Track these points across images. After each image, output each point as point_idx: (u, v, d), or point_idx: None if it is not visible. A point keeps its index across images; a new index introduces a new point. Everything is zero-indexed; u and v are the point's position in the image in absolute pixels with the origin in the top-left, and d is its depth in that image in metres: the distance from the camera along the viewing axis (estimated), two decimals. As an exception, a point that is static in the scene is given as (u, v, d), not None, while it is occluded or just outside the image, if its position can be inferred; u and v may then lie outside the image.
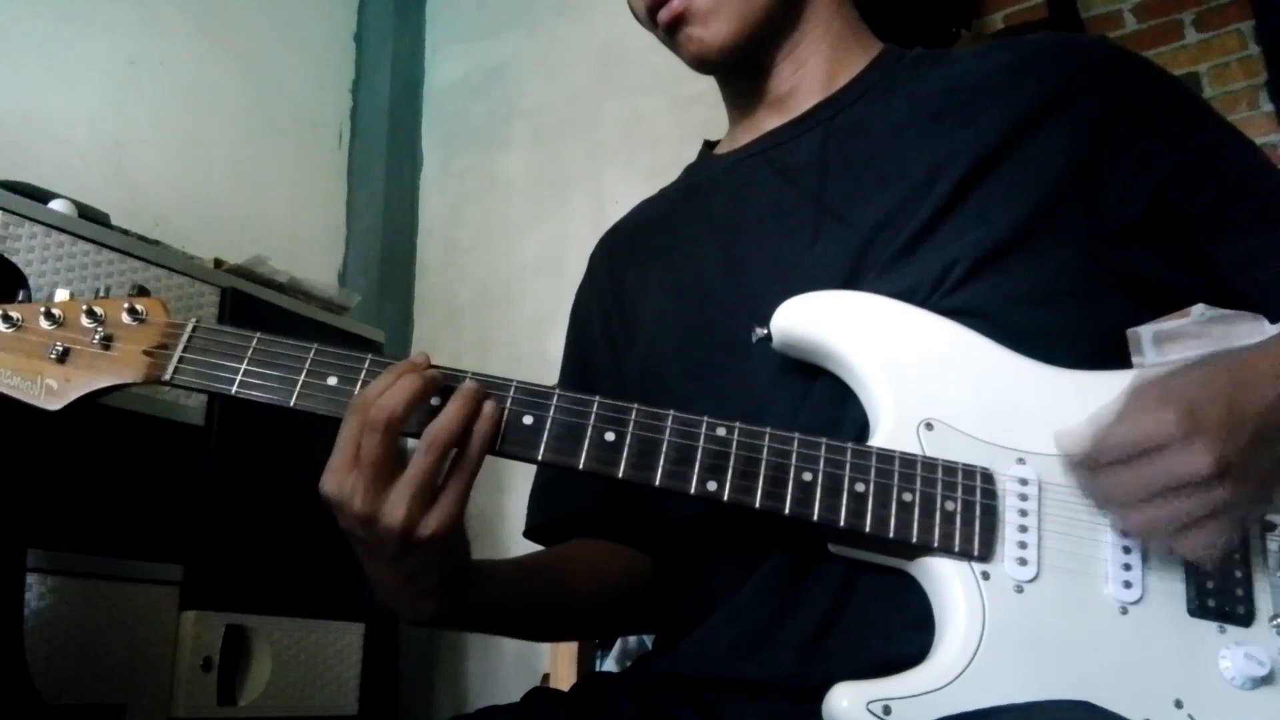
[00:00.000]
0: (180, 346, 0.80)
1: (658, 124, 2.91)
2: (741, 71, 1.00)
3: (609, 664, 2.19)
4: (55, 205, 2.00)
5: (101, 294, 0.82)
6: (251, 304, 2.26)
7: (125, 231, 2.14)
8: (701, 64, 0.98)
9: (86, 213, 2.06)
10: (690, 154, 1.12)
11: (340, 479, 0.73)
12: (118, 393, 0.81)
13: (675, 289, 0.97)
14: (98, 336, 0.80)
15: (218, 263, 2.35)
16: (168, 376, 0.79)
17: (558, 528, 1.02)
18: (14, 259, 1.78)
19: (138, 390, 1.97)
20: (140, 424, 1.99)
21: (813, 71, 0.99)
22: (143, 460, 2.00)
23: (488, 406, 0.75)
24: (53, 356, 0.78)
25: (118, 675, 1.89)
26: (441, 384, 0.76)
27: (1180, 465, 0.66)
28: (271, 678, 2.16)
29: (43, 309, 0.80)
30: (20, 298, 0.82)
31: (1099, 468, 0.70)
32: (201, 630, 2.04)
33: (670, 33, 0.97)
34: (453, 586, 0.80)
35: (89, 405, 0.80)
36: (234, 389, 0.78)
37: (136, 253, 2.08)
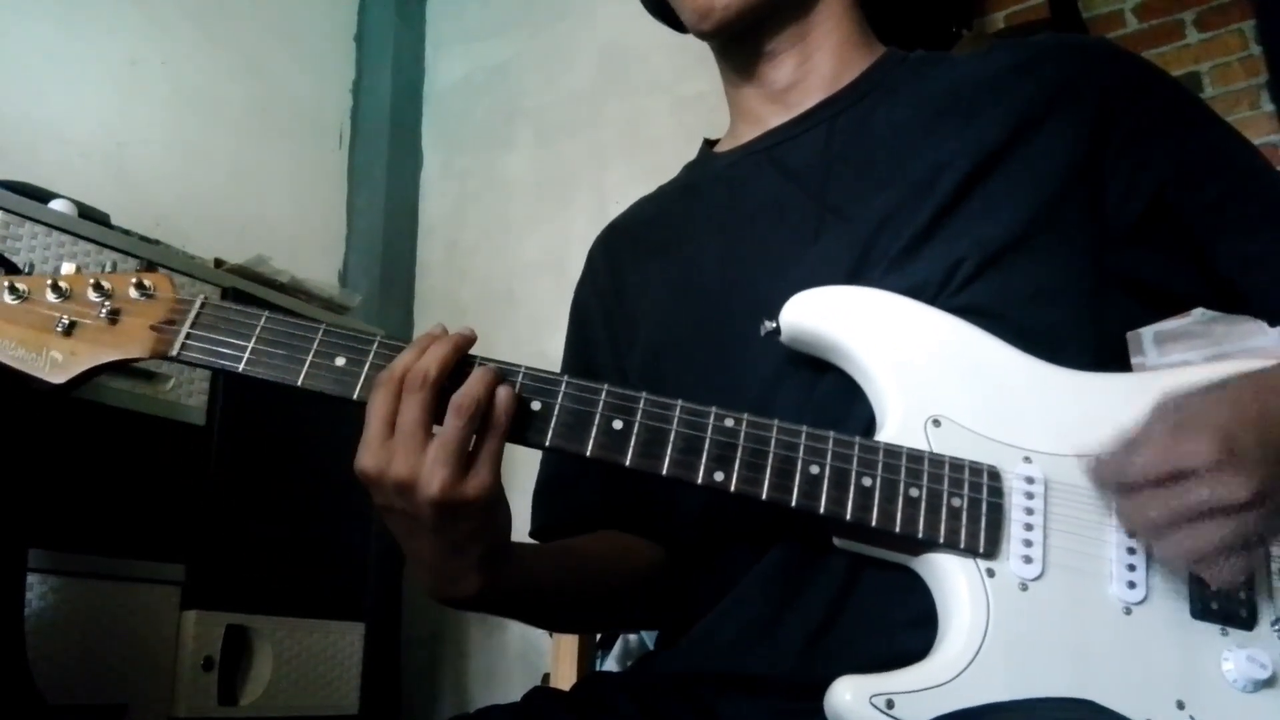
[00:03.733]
0: (188, 322, 0.79)
1: (659, 124, 2.91)
2: (743, 47, 0.99)
3: (610, 664, 2.19)
4: (55, 205, 2.00)
5: (109, 269, 0.81)
6: (252, 304, 2.26)
7: (125, 231, 2.14)
8: (703, 18, 0.95)
9: (87, 213, 2.06)
10: (691, 154, 1.12)
11: (376, 451, 0.72)
12: (120, 390, 0.80)
13: (676, 285, 0.97)
14: (105, 310, 0.79)
15: (218, 263, 2.35)
16: (174, 352, 0.78)
17: (565, 527, 1.01)
18: (14, 259, 1.78)
19: (139, 390, 1.99)
20: (140, 424, 1.99)
21: (818, 68, 0.98)
22: (143, 460, 1.99)
23: (504, 382, 0.76)
24: (59, 329, 0.78)
25: (118, 675, 1.89)
26: (464, 348, 0.76)
27: (1216, 493, 0.66)
28: (272, 677, 2.16)
29: (50, 282, 0.79)
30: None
31: (1131, 491, 0.69)
32: (202, 630, 2.03)
33: None
34: (494, 562, 0.78)
35: (93, 379, 0.79)
36: (241, 366, 0.77)
37: (137, 252, 2.08)
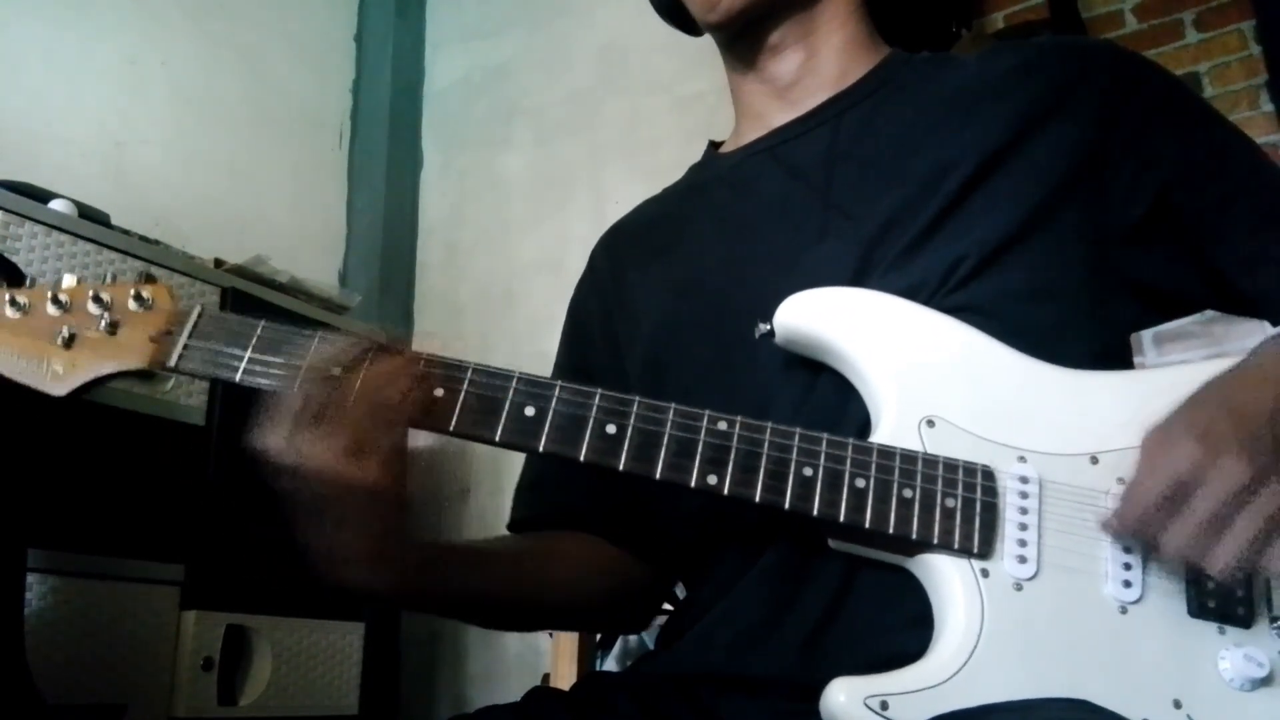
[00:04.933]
0: (185, 333, 0.80)
1: (658, 124, 2.91)
2: (748, 40, 0.99)
3: (610, 664, 2.19)
4: (55, 205, 2.00)
5: (109, 280, 0.82)
6: (251, 304, 2.27)
7: (125, 231, 2.14)
8: (709, 9, 0.96)
9: (86, 213, 2.06)
10: (691, 153, 1.12)
11: (272, 431, 0.74)
12: (120, 390, 0.81)
13: (678, 285, 0.97)
14: (104, 322, 0.80)
15: (218, 262, 2.35)
16: (173, 362, 0.79)
17: (543, 521, 1.01)
18: (14, 259, 1.78)
19: (138, 390, 1.99)
20: (140, 424, 1.99)
21: (824, 67, 0.99)
22: (143, 460, 2.00)
23: (423, 374, 0.77)
24: (59, 341, 0.79)
25: (118, 675, 1.89)
26: (369, 345, 0.77)
27: (1221, 484, 0.65)
28: (272, 678, 2.17)
29: (50, 294, 0.80)
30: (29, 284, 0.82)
31: (1155, 530, 0.68)
32: (202, 630, 2.04)
33: None
34: (390, 558, 0.79)
35: (94, 390, 0.80)
36: (238, 376, 0.78)
37: (136, 252, 2.08)
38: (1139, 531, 0.69)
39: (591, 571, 0.98)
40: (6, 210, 1.88)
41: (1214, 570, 0.67)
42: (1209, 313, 0.92)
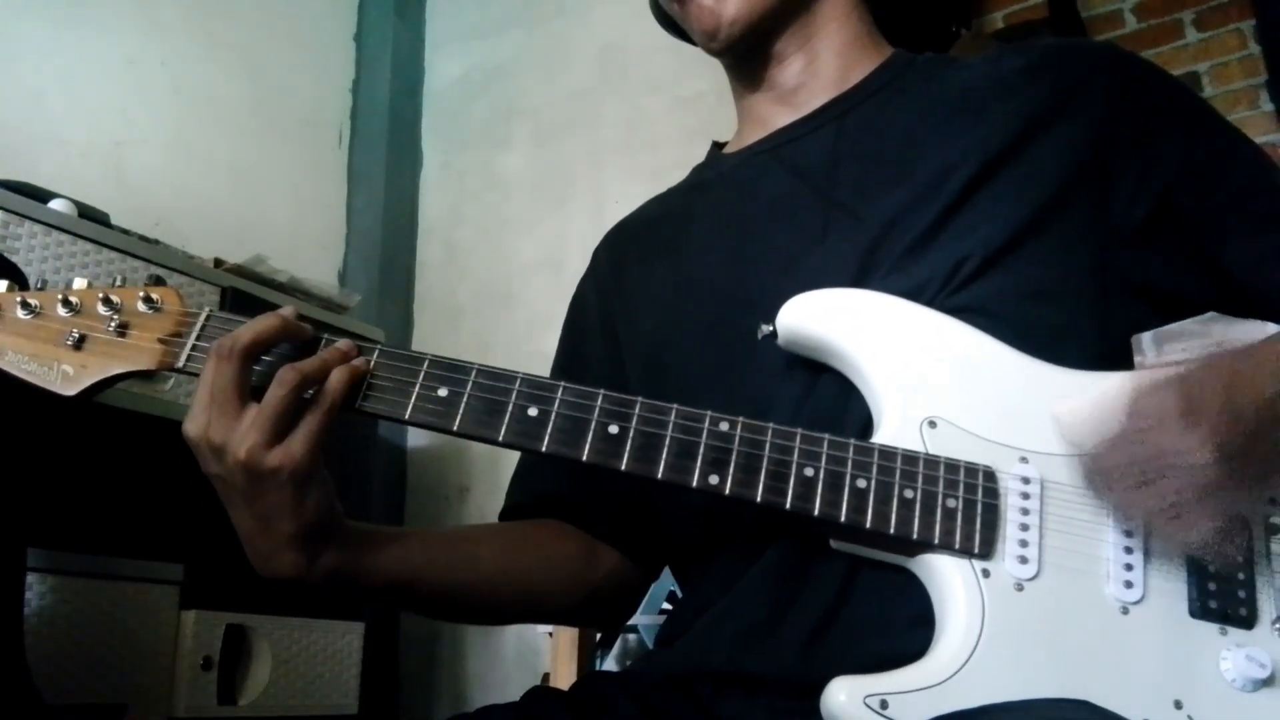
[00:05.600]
0: (194, 335, 0.81)
1: (658, 124, 2.91)
2: (751, 56, 1.00)
3: (609, 663, 2.19)
4: (55, 205, 2.00)
5: (118, 283, 0.84)
6: (251, 303, 2.27)
7: (125, 231, 2.14)
8: (711, 39, 0.97)
9: (86, 212, 2.06)
10: (691, 153, 1.12)
11: (197, 415, 0.75)
12: (120, 390, 0.82)
13: (681, 283, 0.97)
14: (113, 324, 0.81)
15: (218, 262, 2.35)
16: (181, 364, 0.80)
17: (524, 509, 1.01)
18: (14, 258, 1.78)
19: (140, 389, 1.99)
20: (140, 424, 1.99)
21: (825, 68, 0.99)
22: (143, 460, 2.00)
23: (356, 361, 0.78)
24: (69, 343, 0.80)
25: (118, 675, 1.89)
26: (296, 330, 0.79)
27: (1173, 445, 0.66)
28: (271, 677, 2.17)
29: (60, 296, 0.81)
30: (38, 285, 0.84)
31: (1098, 448, 0.70)
32: (201, 630, 2.04)
33: (682, 3, 0.97)
34: (316, 541, 0.79)
35: (103, 391, 0.81)
36: None
37: (136, 252, 2.08)
38: (1083, 440, 0.71)
39: (557, 560, 0.97)
40: (6, 210, 1.88)
41: (1122, 508, 0.71)
42: (1209, 313, 0.92)
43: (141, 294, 0.82)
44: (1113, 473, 0.70)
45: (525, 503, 1.02)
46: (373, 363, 0.79)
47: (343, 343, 0.80)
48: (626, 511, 0.97)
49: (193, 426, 0.75)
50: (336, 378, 0.77)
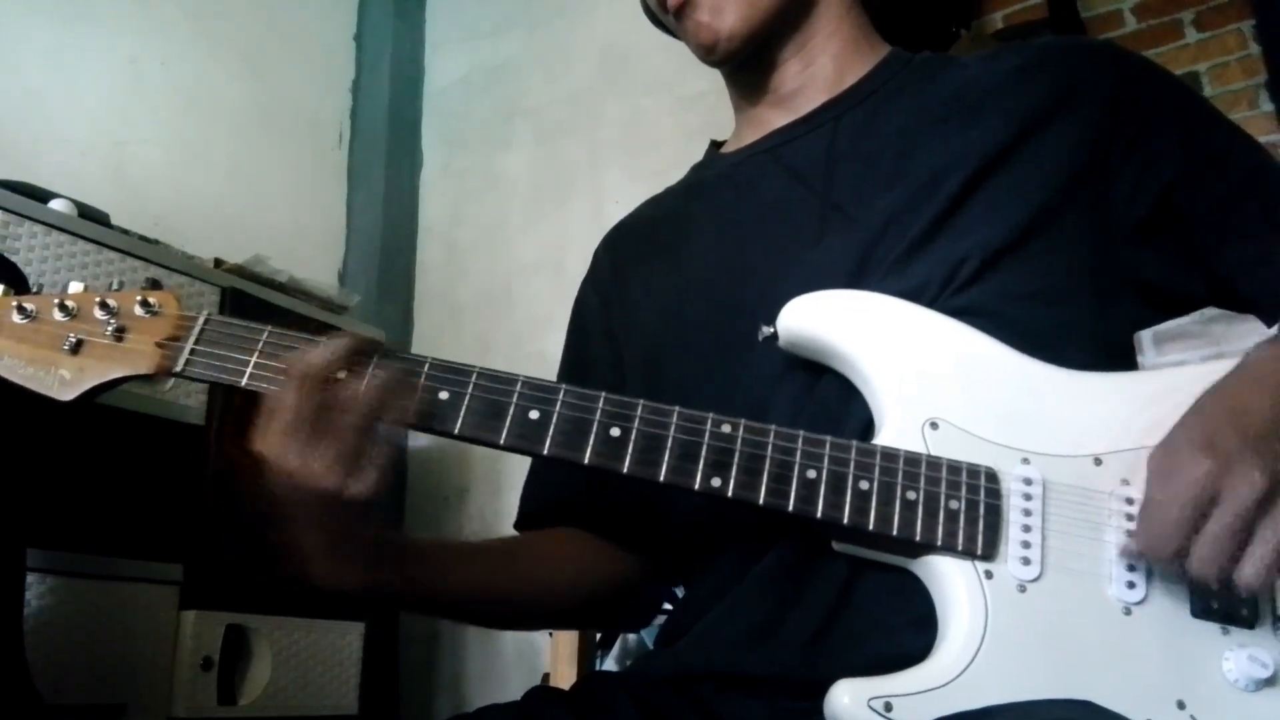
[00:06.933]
0: (192, 339, 0.80)
1: (658, 124, 2.91)
2: (749, 65, 1.00)
3: (609, 663, 2.19)
4: (55, 205, 2.00)
5: (115, 287, 0.83)
6: (251, 303, 2.26)
7: (125, 231, 2.14)
8: (709, 53, 0.97)
9: (86, 212, 2.06)
10: (691, 154, 1.12)
11: (271, 439, 0.74)
12: (122, 390, 0.81)
13: (680, 285, 0.97)
14: (110, 328, 0.80)
15: (217, 262, 2.35)
16: (179, 368, 0.79)
17: (541, 515, 1.02)
18: (14, 259, 1.78)
19: (138, 390, 1.99)
20: (140, 424, 1.99)
21: (821, 70, 0.99)
22: (143, 460, 2.00)
23: (410, 382, 0.77)
24: (66, 348, 0.79)
25: (118, 675, 1.89)
26: (366, 348, 0.77)
27: (1239, 494, 0.65)
28: (271, 677, 2.16)
29: (57, 300, 0.81)
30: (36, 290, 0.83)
31: (1177, 548, 0.67)
32: (201, 630, 2.04)
33: (680, 19, 0.97)
34: (377, 560, 0.80)
35: (100, 395, 0.81)
36: (244, 381, 0.78)
37: (136, 252, 2.08)
38: (1161, 552, 0.68)
39: (583, 567, 0.98)
40: (6, 210, 1.88)
41: (1243, 582, 0.66)
42: (1209, 312, 0.92)
43: (139, 297, 0.81)
44: (1215, 560, 0.66)
45: (538, 511, 1.02)
46: (422, 379, 0.78)
47: (395, 366, 0.78)
48: (643, 516, 0.97)
49: (268, 449, 0.74)
50: (404, 402, 0.75)
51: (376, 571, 0.80)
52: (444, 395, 0.77)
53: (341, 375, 0.74)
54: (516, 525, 1.04)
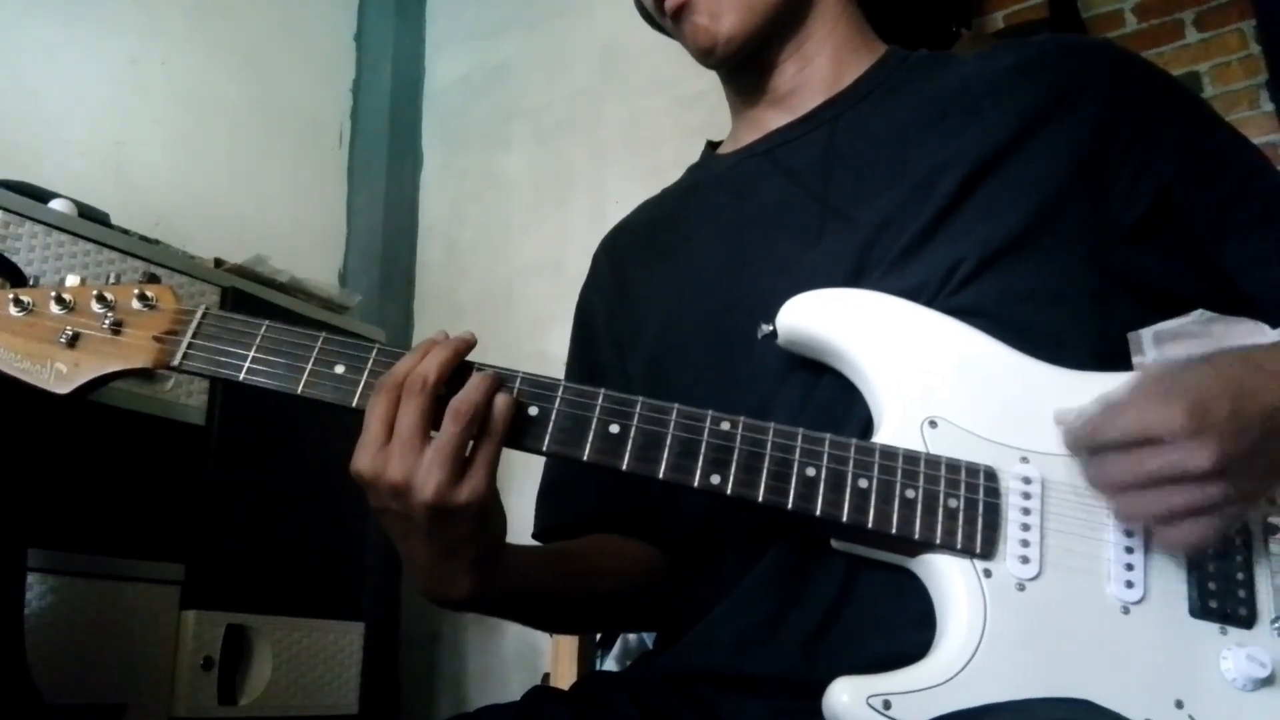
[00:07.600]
0: (189, 333, 0.80)
1: (658, 124, 2.91)
2: (746, 67, 1.00)
3: (609, 663, 2.19)
4: (55, 205, 2.00)
5: (112, 281, 0.83)
6: (252, 303, 2.26)
7: (125, 231, 2.14)
8: (707, 55, 0.98)
9: (86, 212, 2.06)
10: (691, 154, 1.12)
11: (373, 454, 0.73)
12: (120, 390, 0.81)
13: (679, 287, 0.97)
14: (108, 322, 0.80)
15: (218, 262, 2.35)
16: (176, 362, 0.79)
17: (565, 529, 1.01)
18: (14, 258, 1.78)
19: (138, 390, 1.99)
20: (140, 424, 1.99)
21: (818, 71, 0.99)
22: (143, 460, 1.99)
23: (503, 389, 0.76)
24: (63, 341, 0.79)
25: (118, 675, 1.89)
26: (464, 352, 0.77)
27: (1181, 459, 0.67)
28: (272, 677, 2.16)
29: (54, 294, 0.80)
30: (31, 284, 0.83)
31: (1099, 449, 0.71)
32: (202, 630, 2.03)
33: (677, 22, 0.97)
34: (487, 565, 0.79)
35: (98, 389, 0.80)
36: (241, 375, 0.78)
37: (136, 252, 2.08)
38: (1087, 446, 0.72)
39: (643, 567, 0.98)
40: (6, 210, 1.87)
41: (1118, 512, 0.72)
42: (1208, 313, 0.93)
43: (136, 291, 0.81)
44: (1113, 474, 0.71)
45: (572, 523, 1.01)
46: (516, 389, 0.77)
47: (489, 369, 0.78)
48: (662, 515, 0.97)
49: (367, 466, 0.73)
50: (502, 404, 0.75)
51: (482, 580, 0.79)
52: (533, 411, 0.77)
53: (436, 383, 0.74)
54: (540, 536, 1.03)
